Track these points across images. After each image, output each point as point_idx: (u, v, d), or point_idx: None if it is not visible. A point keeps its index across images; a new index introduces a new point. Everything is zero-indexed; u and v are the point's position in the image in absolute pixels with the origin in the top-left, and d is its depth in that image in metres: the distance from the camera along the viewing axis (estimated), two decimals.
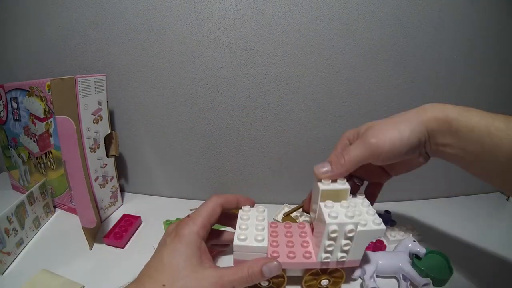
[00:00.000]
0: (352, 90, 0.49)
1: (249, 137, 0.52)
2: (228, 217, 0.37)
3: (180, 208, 0.52)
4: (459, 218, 0.51)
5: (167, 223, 0.47)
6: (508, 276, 0.39)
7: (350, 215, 0.30)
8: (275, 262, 0.29)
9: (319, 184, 0.32)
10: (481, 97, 0.52)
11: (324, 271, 0.34)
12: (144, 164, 0.56)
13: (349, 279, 0.36)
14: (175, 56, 0.48)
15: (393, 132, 0.30)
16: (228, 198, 0.34)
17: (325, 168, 0.33)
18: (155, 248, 0.31)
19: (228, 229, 0.39)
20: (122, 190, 0.58)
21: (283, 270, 0.33)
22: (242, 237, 0.31)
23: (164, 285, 0.27)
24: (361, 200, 0.34)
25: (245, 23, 0.45)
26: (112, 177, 0.51)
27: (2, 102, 0.51)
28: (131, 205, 0.55)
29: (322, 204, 0.32)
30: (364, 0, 0.44)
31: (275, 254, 0.33)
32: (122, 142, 0.52)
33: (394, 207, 0.53)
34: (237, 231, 0.32)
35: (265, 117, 0.50)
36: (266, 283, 0.34)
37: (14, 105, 0.49)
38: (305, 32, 0.45)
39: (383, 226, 0.31)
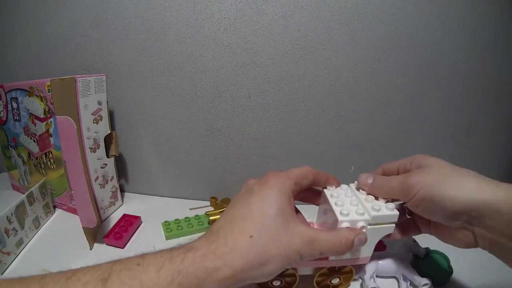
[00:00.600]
0: (352, 90, 0.49)
1: (249, 137, 0.52)
2: (313, 194, 0.34)
3: (180, 208, 0.52)
4: None
5: (166, 224, 0.47)
6: (508, 276, 0.39)
7: (361, 212, 0.30)
8: (364, 235, 0.28)
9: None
10: (481, 97, 0.52)
11: (333, 270, 0.33)
12: (144, 164, 0.56)
13: None
14: (175, 56, 0.48)
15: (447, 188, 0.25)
16: (320, 174, 0.32)
17: (369, 180, 0.31)
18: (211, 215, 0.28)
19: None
20: (122, 190, 0.57)
21: (295, 269, 0.33)
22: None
23: (251, 236, 0.23)
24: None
25: (245, 23, 0.45)
26: (112, 177, 0.51)
27: (2, 102, 0.51)
28: (131, 205, 0.55)
29: (332, 201, 0.32)
30: (364, 0, 0.44)
31: None
32: (122, 142, 0.52)
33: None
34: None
35: (265, 117, 0.50)
36: (278, 283, 0.33)
37: (14, 105, 0.49)
38: (305, 32, 0.45)
39: (396, 212, 0.30)
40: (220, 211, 0.46)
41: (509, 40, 0.48)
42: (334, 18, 0.45)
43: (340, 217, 0.29)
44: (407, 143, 0.53)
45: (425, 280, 0.34)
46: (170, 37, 0.47)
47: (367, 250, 0.32)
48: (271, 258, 0.23)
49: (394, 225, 0.30)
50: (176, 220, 0.47)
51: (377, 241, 0.31)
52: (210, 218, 0.45)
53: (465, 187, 0.25)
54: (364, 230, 0.29)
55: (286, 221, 0.25)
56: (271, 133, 0.51)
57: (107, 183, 0.50)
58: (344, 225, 0.29)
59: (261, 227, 0.24)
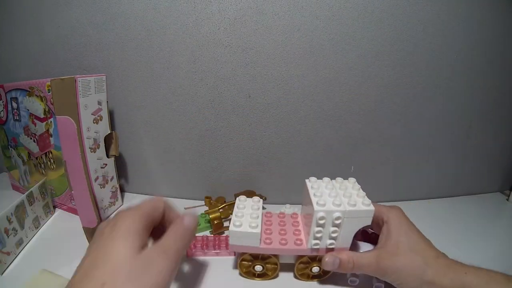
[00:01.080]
0: (352, 90, 0.49)
1: (249, 137, 0.52)
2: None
3: (179, 208, 0.52)
4: (459, 218, 0.51)
5: None
6: None
7: (338, 203, 0.32)
8: (188, 213, 0.29)
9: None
10: (482, 97, 0.52)
11: (313, 258, 0.35)
12: (144, 164, 0.56)
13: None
14: (175, 56, 0.48)
15: (412, 268, 0.31)
16: (170, 206, 0.31)
17: (335, 264, 0.33)
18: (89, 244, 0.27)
19: None
20: (122, 190, 0.57)
21: (276, 256, 0.35)
22: (237, 223, 0.33)
23: (104, 284, 0.22)
24: (351, 184, 0.36)
25: (245, 23, 0.45)
26: (112, 177, 0.51)
27: (2, 102, 0.51)
28: (131, 205, 0.55)
29: (311, 192, 0.34)
30: (364, 0, 0.44)
31: (268, 241, 0.34)
32: (122, 142, 0.52)
33: None
34: (233, 218, 0.35)
35: (265, 117, 0.50)
36: (260, 268, 0.35)
37: (14, 105, 0.49)
38: (305, 32, 0.45)
39: (371, 207, 0.32)
40: (217, 209, 0.46)
41: (509, 40, 0.48)
42: (334, 18, 0.45)
43: (316, 207, 0.31)
44: (407, 143, 0.53)
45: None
46: (170, 37, 0.47)
47: (345, 241, 0.34)
48: None
49: (371, 217, 0.32)
50: None
51: (355, 232, 0.33)
52: (210, 216, 0.45)
53: (425, 275, 0.30)
54: (187, 217, 0.29)
55: (136, 255, 0.23)
56: (271, 133, 0.51)
57: (107, 183, 0.50)
58: (320, 215, 0.31)
59: (113, 271, 0.22)
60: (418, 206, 0.55)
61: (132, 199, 0.56)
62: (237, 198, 0.39)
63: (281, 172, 0.54)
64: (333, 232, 0.32)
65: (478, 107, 0.53)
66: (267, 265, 0.36)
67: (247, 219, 0.35)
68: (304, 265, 0.36)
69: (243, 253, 0.35)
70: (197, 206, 0.53)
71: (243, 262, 0.36)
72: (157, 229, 0.29)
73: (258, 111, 0.50)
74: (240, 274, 0.37)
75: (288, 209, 0.47)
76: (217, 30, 0.46)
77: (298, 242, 0.34)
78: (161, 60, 0.48)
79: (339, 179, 0.38)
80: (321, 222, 0.32)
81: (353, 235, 0.33)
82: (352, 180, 0.37)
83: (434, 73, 0.49)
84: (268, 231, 0.36)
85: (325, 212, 0.31)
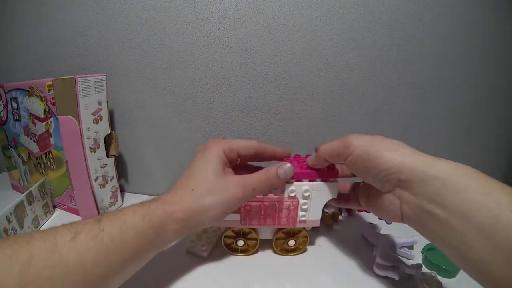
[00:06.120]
0: (352, 90, 0.49)
1: (249, 138, 0.52)
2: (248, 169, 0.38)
3: None
4: None
5: None
6: None
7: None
8: (289, 164, 0.33)
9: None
10: (482, 96, 0.52)
11: (288, 234, 0.39)
12: (144, 164, 0.56)
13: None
14: (175, 56, 0.48)
15: (379, 147, 0.29)
16: (267, 147, 0.37)
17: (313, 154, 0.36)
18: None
19: None
20: (122, 190, 0.57)
21: (255, 231, 0.38)
22: None
23: (193, 189, 0.30)
24: None
25: (245, 23, 0.45)
26: (112, 177, 0.51)
27: (2, 102, 0.51)
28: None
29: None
30: (364, 0, 0.44)
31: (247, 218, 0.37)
32: (122, 142, 0.52)
33: None
34: None
35: (265, 117, 0.50)
36: (242, 243, 0.39)
37: (14, 105, 0.49)
38: (305, 32, 0.45)
39: (336, 182, 0.36)
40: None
41: (509, 40, 0.48)
42: (334, 18, 0.45)
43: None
44: (407, 143, 0.53)
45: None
46: (170, 37, 0.47)
47: (315, 214, 0.37)
48: (210, 206, 0.30)
49: (335, 192, 0.36)
50: None
51: (323, 204, 0.37)
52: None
53: (399, 152, 0.28)
54: (289, 163, 0.34)
55: (220, 176, 0.32)
56: (271, 133, 0.51)
57: (107, 183, 0.50)
58: (291, 188, 0.36)
59: (200, 181, 0.31)
60: None
61: (132, 199, 0.56)
62: None
63: None
64: (303, 204, 0.36)
65: (479, 107, 0.53)
66: (248, 241, 0.39)
67: None
68: (281, 240, 0.39)
69: (227, 229, 0.39)
70: None
71: (226, 239, 0.39)
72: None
73: (258, 111, 0.50)
74: (225, 249, 0.40)
75: None
76: (217, 30, 0.46)
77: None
78: (161, 60, 0.48)
79: None
80: (292, 194, 0.36)
81: (321, 208, 0.37)
82: None
83: (434, 73, 0.49)
84: (247, 207, 0.38)
85: (295, 186, 0.36)
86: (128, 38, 0.48)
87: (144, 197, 0.58)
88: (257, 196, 0.37)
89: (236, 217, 0.36)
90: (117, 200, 0.53)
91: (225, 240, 0.39)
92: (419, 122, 0.52)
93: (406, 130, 0.52)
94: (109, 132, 0.48)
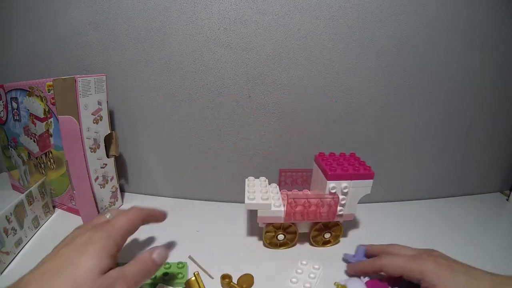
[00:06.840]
0: (352, 90, 0.49)
1: (249, 137, 0.52)
2: None
3: (179, 208, 0.52)
4: (459, 218, 0.51)
5: None
6: None
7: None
8: (161, 247, 0.30)
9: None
10: (482, 97, 0.52)
11: (326, 225, 0.41)
12: (144, 164, 0.56)
13: None
14: (175, 56, 0.48)
15: None
16: (149, 213, 0.35)
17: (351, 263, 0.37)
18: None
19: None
20: (122, 190, 0.57)
21: (295, 225, 0.41)
22: (252, 196, 0.39)
23: None
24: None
25: (245, 23, 0.45)
26: (112, 177, 0.51)
27: (2, 102, 0.51)
28: (131, 205, 0.53)
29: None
30: (364, 0, 0.44)
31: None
32: (122, 142, 0.52)
33: (394, 207, 0.53)
34: (246, 194, 0.40)
35: (265, 117, 0.50)
36: (282, 237, 0.41)
37: (14, 105, 0.49)
38: (305, 32, 0.45)
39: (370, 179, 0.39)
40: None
41: (509, 40, 0.49)
42: (334, 18, 0.45)
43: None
44: (407, 143, 0.53)
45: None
46: (170, 37, 0.47)
47: (351, 208, 0.40)
48: None
49: (369, 188, 0.40)
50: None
51: (358, 199, 0.40)
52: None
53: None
54: (158, 250, 0.30)
55: (102, 281, 0.24)
56: (271, 133, 0.51)
57: (107, 183, 0.50)
58: (332, 185, 0.38)
59: (74, 283, 0.22)
60: (419, 206, 0.55)
61: (132, 199, 0.56)
62: (247, 179, 0.46)
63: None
64: (342, 199, 0.39)
65: (479, 107, 0.53)
66: (288, 235, 0.41)
67: (258, 194, 0.41)
68: (318, 232, 0.41)
69: (267, 225, 0.40)
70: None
71: (267, 234, 0.41)
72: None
73: (258, 111, 0.50)
74: (264, 245, 0.42)
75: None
76: (217, 30, 0.46)
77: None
78: (161, 60, 0.48)
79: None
80: (333, 191, 0.38)
81: (357, 202, 0.40)
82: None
83: (434, 73, 0.49)
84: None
85: (336, 183, 0.38)
86: (128, 38, 0.48)
87: (144, 197, 0.58)
88: (302, 193, 0.44)
89: (280, 213, 0.39)
90: (117, 200, 0.53)
91: (266, 236, 0.41)
92: (419, 122, 0.52)
93: (407, 129, 0.52)
94: (109, 132, 0.48)
